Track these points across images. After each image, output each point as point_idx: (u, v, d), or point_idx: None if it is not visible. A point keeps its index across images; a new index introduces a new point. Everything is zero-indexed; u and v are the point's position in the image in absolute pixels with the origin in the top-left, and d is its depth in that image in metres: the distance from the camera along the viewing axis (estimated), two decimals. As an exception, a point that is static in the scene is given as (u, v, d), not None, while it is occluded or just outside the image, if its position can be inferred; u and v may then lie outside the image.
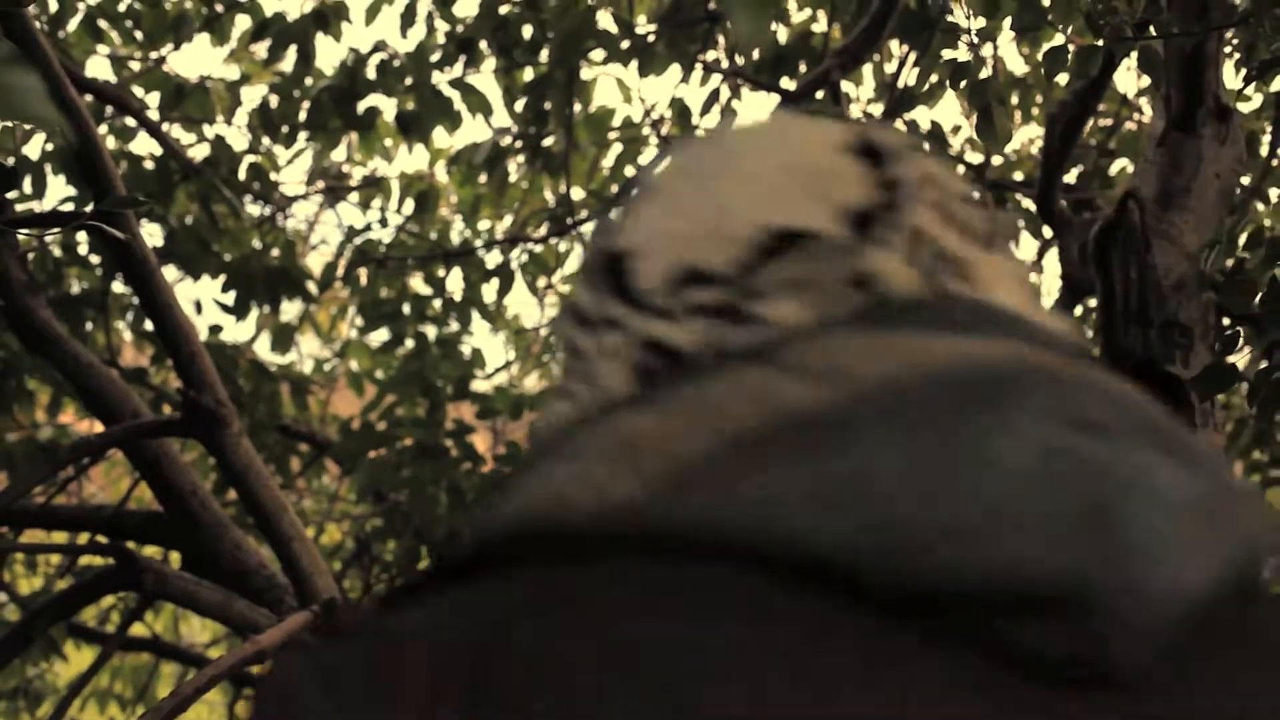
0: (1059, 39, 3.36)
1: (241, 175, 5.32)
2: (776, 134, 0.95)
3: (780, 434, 0.71)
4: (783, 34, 5.65)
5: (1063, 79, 4.52)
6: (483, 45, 5.44)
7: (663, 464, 0.72)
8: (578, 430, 0.78)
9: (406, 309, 6.01)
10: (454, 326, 6.11)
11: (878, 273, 0.83)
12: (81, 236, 4.92)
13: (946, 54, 4.03)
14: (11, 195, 3.44)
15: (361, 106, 5.43)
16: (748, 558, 0.68)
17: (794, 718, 0.63)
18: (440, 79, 5.44)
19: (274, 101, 5.49)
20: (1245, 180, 4.00)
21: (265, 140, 5.60)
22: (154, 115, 5.32)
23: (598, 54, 5.46)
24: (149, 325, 3.55)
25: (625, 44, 5.31)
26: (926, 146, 0.95)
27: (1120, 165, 5.62)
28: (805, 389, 0.73)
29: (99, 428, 3.59)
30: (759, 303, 0.82)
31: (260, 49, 5.70)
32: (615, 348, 0.86)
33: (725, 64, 5.37)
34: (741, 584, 0.68)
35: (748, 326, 0.82)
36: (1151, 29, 2.85)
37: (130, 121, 5.32)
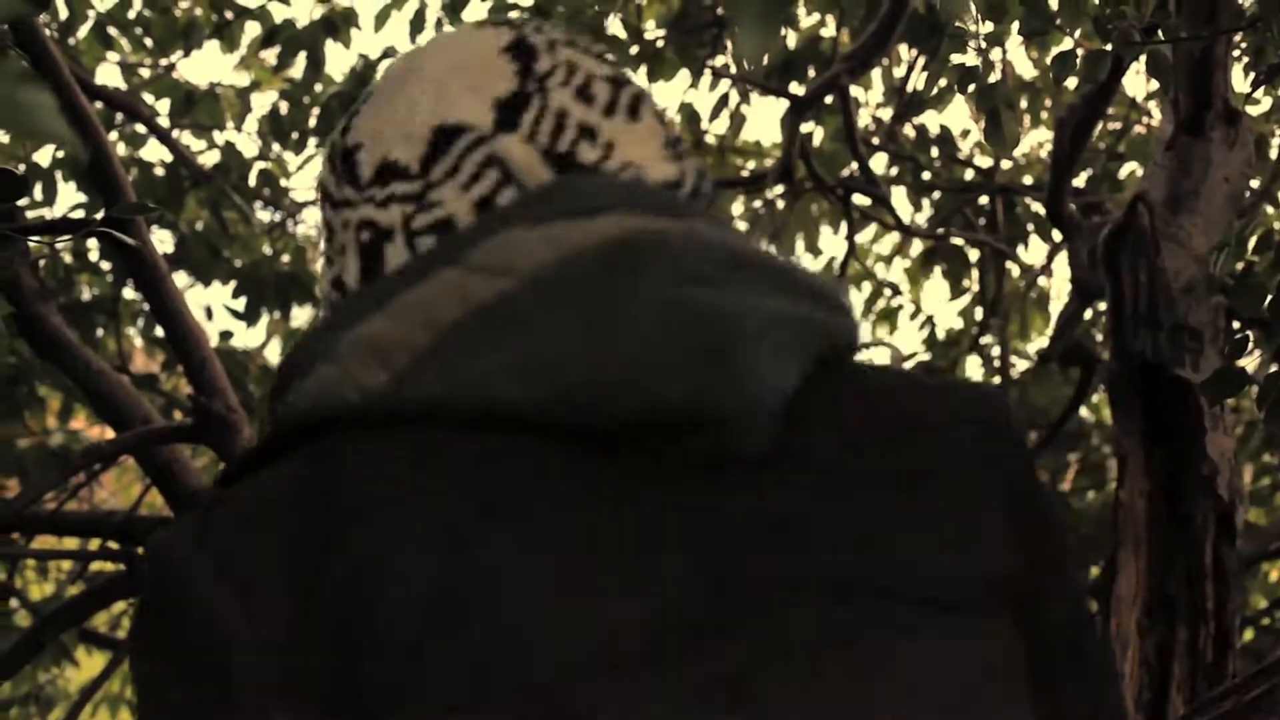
0: (1068, 43, 3.36)
1: (252, 181, 5.33)
2: (451, 41, 1.16)
3: (476, 322, 0.96)
4: (792, 39, 5.65)
5: (1072, 83, 4.52)
6: (492, 51, 5.44)
7: (398, 358, 0.96)
8: (333, 334, 1.01)
9: (415, 314, 6.01)
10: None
11: (504, 154, 1.06)
12: (92, 243, 4.94)
13: (955, 59, 4.03)
14: (22, 202, 3.45)
15: (371, 113, 5.44)
16: (472, 421, 0.94)
17: (515, 525, 0.92)
18: (449, 85, 5.44)
19: (284, 108, 5.50)
20: (1254, 183, 4.00)
21: (275, 146, 5.61)
22: (164, 122, 5.33)
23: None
24: (160, 331, 3.56)
25: (634, 49, 5.32)
26: (603, 51, 1.20)
27: (1130, 169, 5.62)
28: (488, 284, 0.97)
29: (110, 434, 3.59)
30: (435, 191, 1.06)
31: (270, 56, 5.71)
32: (347, 223, 1.11)
33: (734, 69, 5.37)
34: (472, 441, 0.94)
35: (430, 211, 1.06)
36: (1160, 33, 2.85)
37: (140, 128, 5.33)
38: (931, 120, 7.23)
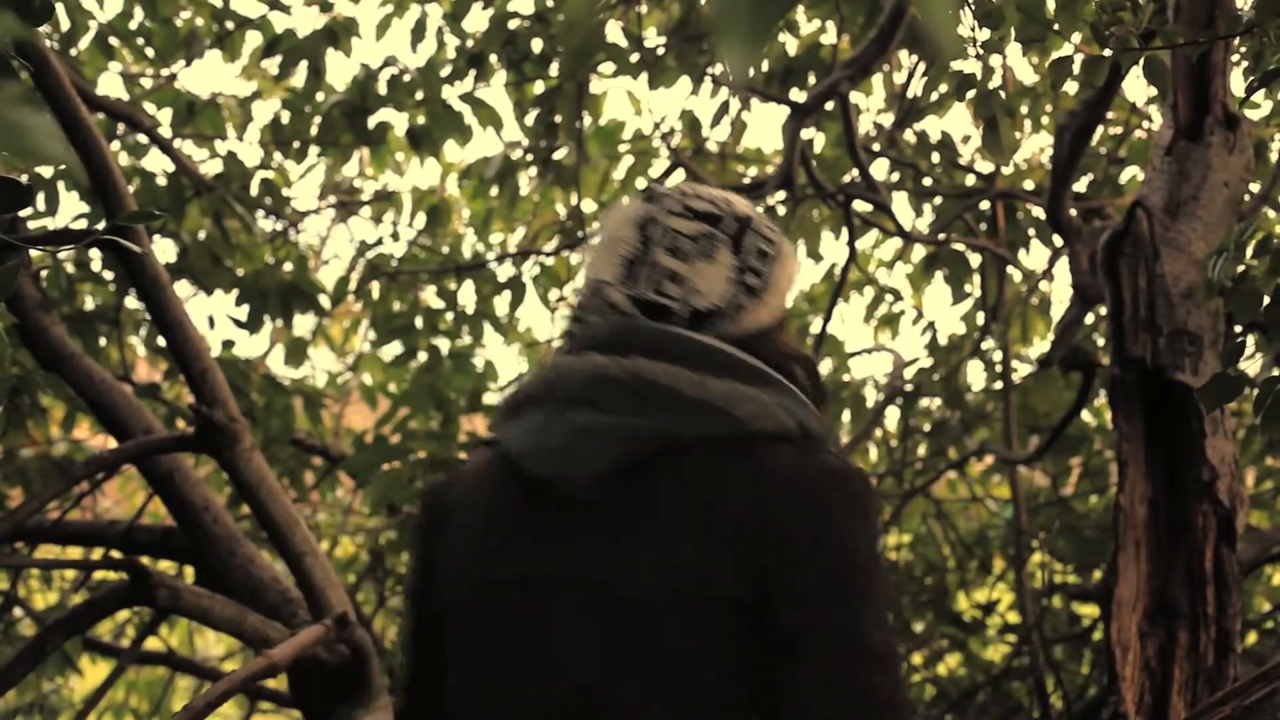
0: (1067, 49, 3.36)
1: (254, 191, 5.34)
2: (612, 214, 1.96)
3: (521, 402, 1.85)
4: (792, 46, 5.66)
5: (1071, 88, 4.53)
6: (493, 59, 5.46)
7: (500, 413, 1.91)
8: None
9: (419, 322, 6.03)
10: (466, 339, 6.13)
11: (613, 301, 1.85)
12: (94, 253, 4.94)
13: (955, 65, 4.04)
14: (24, 212, 3.46)
15: (372, 121, 5.45)
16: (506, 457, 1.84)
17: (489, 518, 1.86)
18: (451, 93, 5.46)
19: (285, 117, 5.51)
20: (1254, 188, 4.01)
21: (277, 156, 5.62)
22: (166, 132, 5.34)
23: (608, 67, 5.47)
24: (162, 341, 3.56)
25: (635, 57, 5.33)
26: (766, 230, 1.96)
27: (1130, 173, 5.62)
28: (526, 386, 1.86)
29: (112, 444, 3.61)
30: (586, 324, 1.87)
31: (271, 65, 5.72)
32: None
33: (735, 78, 5.37)
34: (496, 468, 1.87)
35: (582, 329, 1.87)
36: (1158, 38, 2.85)
37: (142, 138, 5.34)
38: (932, 126, 7.27)
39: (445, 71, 5.48)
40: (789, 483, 1.73)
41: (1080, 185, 5.46)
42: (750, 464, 1.73)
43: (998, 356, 6.07)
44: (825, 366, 6.57)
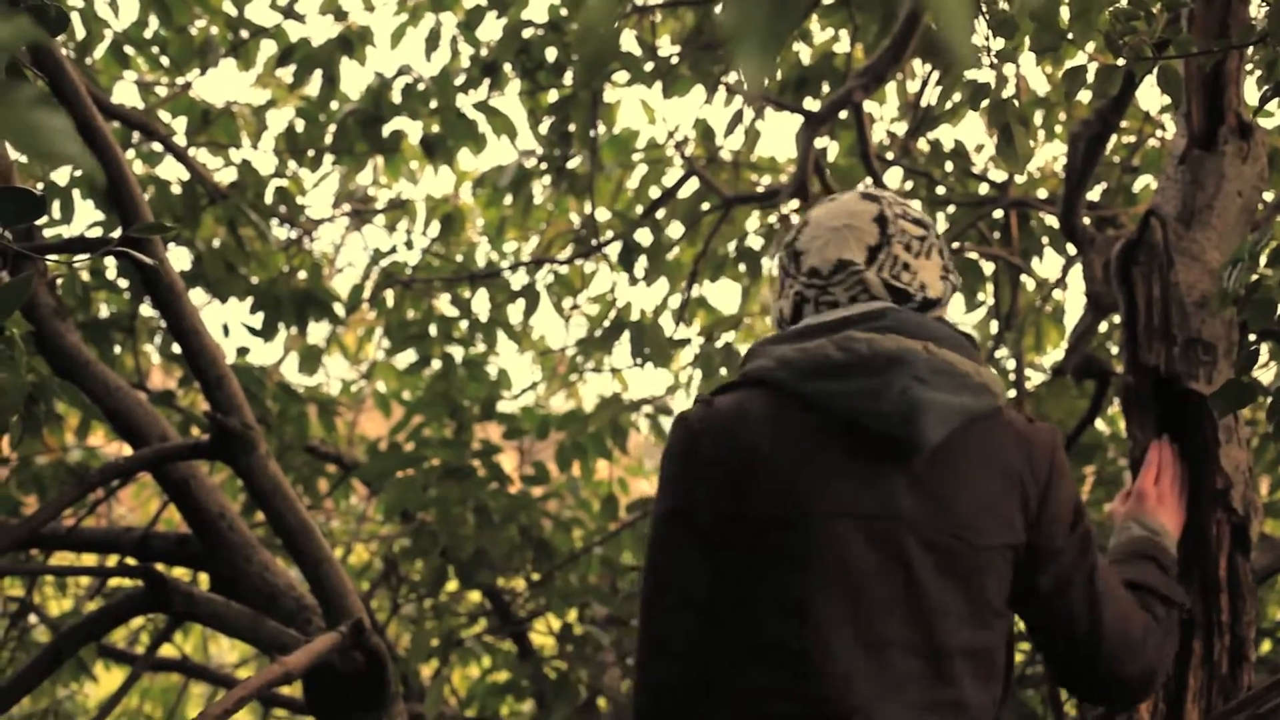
0: (1081, 58, 3.37)
1: (268, 199, 5.36)
2: (846, 206, 2.35)
3: (825, 368, 2.19)
4: (806, 55, 5.66)
5: (1085, 97, 4.52)
6: (507, 68, 5.47)
7: (792, 364, 2.22)
8: (770, 344, 2.28)
9: (433, 330, 6.03)
10: (480, 347, 6.13)
11: (867, 280, 2.28)
12: (109, 261, 4.96)
13: (969, 74, 4.04)
14: (40, 221, 3.47)
15: (387, 130, 5.47)
16: (791, 394, 2.23)
17: (800, 459, 2.20)
18: (465, 102, 5.47)
19: (300, 126, 5.53)
20: (1268, 197, 4.00)
21: (291, 164, 5.63)
22: (181, 140, 5.36)
23: (621, 76, 5.48)
24: (177, 348, 3.58)
25: (649, 66, 5.34)
26: (917, 209, 2.40)
27: (1144, 182, 5.62)
28: (838, 352, 2.19)
29: (128, 451, 3.61)
30: (831, 290, 2.29)
31: (286, 74, 5.74)
32: (788, 287, 2.36)
33: (750, 88, 5.37)
34: (794, 413, 2.24)
35: (828, 296, 2.29)
36: (1171, 47, 2.85)
37: (157, 147, 5.36)
38: (946, 135, 7.25)
39: (459, 80, 5.50)
40: (1036, 444, 2.27)
41: (1094, 194, 5.46)
42: (1008, 428, 2.24)
43: (1011, 365, 6.06)
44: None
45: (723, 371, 6.14)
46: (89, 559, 4.83)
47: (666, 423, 5.82)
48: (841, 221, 2.31)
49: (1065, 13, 3.20)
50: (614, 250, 5.90)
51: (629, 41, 5.31)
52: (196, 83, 5.57)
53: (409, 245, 6.41)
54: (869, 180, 4.97)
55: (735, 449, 2.20)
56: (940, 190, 5.84)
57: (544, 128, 5.65)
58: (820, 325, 2.24)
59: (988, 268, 5.88)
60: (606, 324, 6.00)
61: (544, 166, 5.82)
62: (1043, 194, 5.73)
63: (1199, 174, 3.37)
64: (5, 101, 0.78)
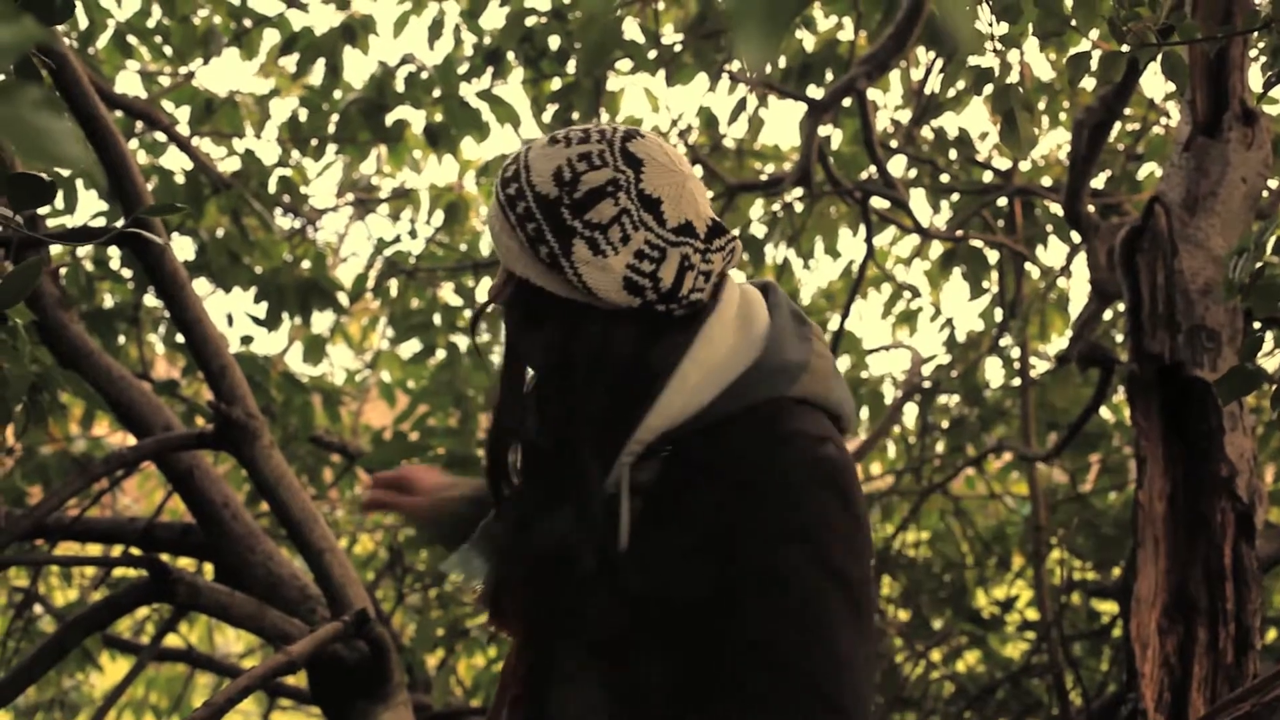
0: (1084, 45, 3.36)
1: (272, 188, 5.35)
2: (668, 151, 1.87)
3: (831, 369, 1.92)
4: (809, 42, 5.66)
5: (1089, 84, 4.52)
6: (510, 56, 5.46)
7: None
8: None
9: (437, 319, 6.03)
10: (485, 336, 6.13)
11: (732, 244, 1.90)
12: (113, 251, 4.96)
13: (973, 60, 4.04)
14: (43, 210, 3.47)
15: (390, 119, 5.46)
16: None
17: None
18: (468, 90, 5.46)
19: (303, 115, 5.52)
20: (1272, 183, 4.00)
21: (295, 153, 5.63)
22: (184, 130, 5.35)
23: (625, 64, 5.47)
24: (180, 338, 3.57)
25: (652, 54, 5.33)
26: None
27: (1148, 169, 5.61)
28: (817, 346, 1.93)
29: (132, 441, 3.61)
30: (711, 254, 1.87)
31: (289, 63, 5.73)
32: (654, 245, 1.82)
33: (751, 73, 5.37)
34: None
35: (708, 262, 1.86)
36: (1175, 34, 2.85)
37: (160, 136, 5.36)
38: (950, 123, 7.25)
39: (463, 69, 5.49)
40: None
41: (1098, 181, 5.45)
42: None
43: (1016, 353, 6.06)
44: (843, 363, 6.57)
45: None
46: (94, 549, 4.83)
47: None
48: (692, 181, 1.88)
49: (1069, -1, 3.19)
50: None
51: (632, 29, 5.30)
52: (200, 72, 5.56)
53: (413, 234, 6.41)
54: (873, 168, 4.97)
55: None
56: (944, 178, 5.84)
57: (547, 116, 5.64)
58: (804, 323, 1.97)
59: (992, 256, 5.87)
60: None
61: (547, 155, 5.80)
62: (1047, 182, 5.72)
63: (1203, 161, 3.37)
64: (8, 104, 0.78)
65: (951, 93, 5.32)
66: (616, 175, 1.80)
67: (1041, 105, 5.38)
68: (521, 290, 1.86)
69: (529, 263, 1.82)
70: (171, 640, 5.35)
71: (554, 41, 5.41)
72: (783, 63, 5.47)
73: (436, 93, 5.46)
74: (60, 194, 4.87)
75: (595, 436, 1.82)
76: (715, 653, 1.74)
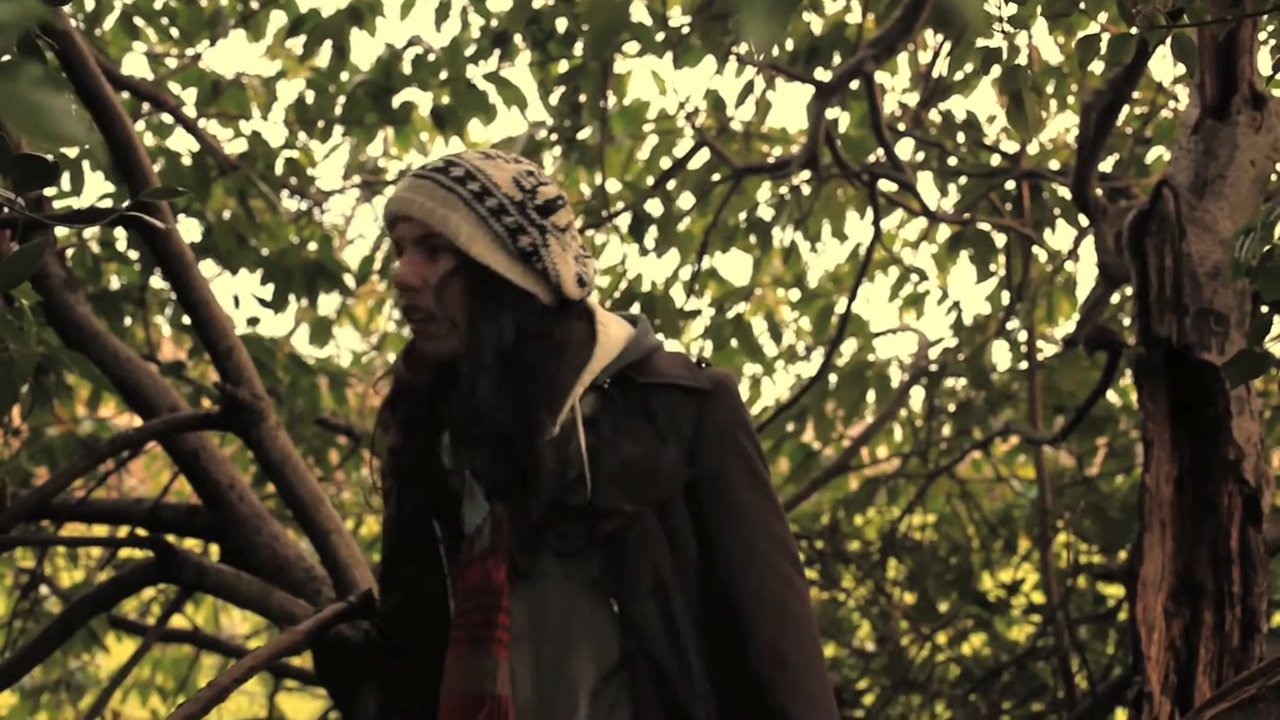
0: (1093, 27, 3.35)
1: (278, 170, 5.35)
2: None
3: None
4: (817, 25, 5.64)
5: (1097, 67, 4.50)
6: (517, 39, 5.45)
7: None
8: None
9: (442, 302, 6.01)
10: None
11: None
12: (120, 233, 4.96)
13: (981, 43, 4.02)
14: (49, 192, 3.46)
15: (397, 101, 5.45)
16: None
17: None
18: (475, 73, 5.45)
19: (310, 97, 5.52)
20: (1281, 167, 3.98)
21: (301, 135, 5.62)
22: (191, 111, 5.35)
23: (632, 46, 5.46)
24: (187, 320, 3.57)
25: (659, 36, 5.32)
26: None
27: (1156, 152, 5.60)
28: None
29: (138, 422, 3.62)
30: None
31: (296, 45, 5.72)
32: (557, 238, 2.10)
33: (759, 56, 5.36)
34: None
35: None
36: (1185, 16, 2.84)
37: (167, 118, 5.35)
38: (957, 105, 7.24)
39: (469, 51, 5.48)
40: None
41: (1106, 165, 5.44)
42: None
43: (1023, 336, 6.06)
44: (850, 346, 6.57)
45: (733, 343, 6.12)
46: (100, 530, 4.84)
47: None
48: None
49: (1078, -19, 3.18)
50: (624, 221, 5.89)
51: (639, 12, 5.29)
52: (206, 54, 5.56)
53: (419, 217, 6.38)
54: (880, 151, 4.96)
55: None
56: (952, 161, 5.83)
57: (554, 98, 5.63)
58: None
59: (999, 239, 5.86)
60: (617, 295, 5.99)
61: (554, 137, 5.80)
62: (1055, 165, 5.71)
63: (1211, 144, 3.36)
64: (9, 81, 0.77)
65: (959, 76, 5.31)
66: (559, 193, 2.12)
67: (1050, 88, 5.37)
68: (476, 278, 2.03)
69: (494, 251, 2.03)
70: (177, 621, 5.36)
71: (561, 24, 5.40)
72: (790, 45, 5.46)
73: (443, 75, 5.45)
74: (67, 175, 4.87)
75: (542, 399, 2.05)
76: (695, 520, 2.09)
